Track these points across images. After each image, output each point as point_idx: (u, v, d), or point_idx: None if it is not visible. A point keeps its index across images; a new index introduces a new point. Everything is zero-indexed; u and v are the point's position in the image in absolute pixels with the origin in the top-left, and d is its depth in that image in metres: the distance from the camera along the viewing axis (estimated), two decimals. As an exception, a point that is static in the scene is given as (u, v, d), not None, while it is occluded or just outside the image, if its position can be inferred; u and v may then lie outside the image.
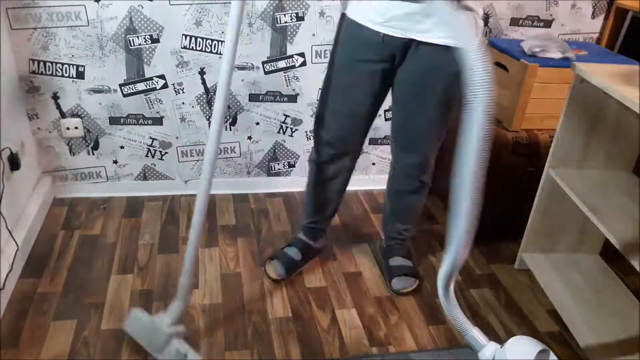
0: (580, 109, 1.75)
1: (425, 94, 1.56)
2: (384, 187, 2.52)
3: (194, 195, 1.90)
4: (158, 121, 2.19)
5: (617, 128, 1.80)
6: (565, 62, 1.90)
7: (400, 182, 1.83)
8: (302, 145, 2.35)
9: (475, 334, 1.40)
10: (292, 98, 2.23)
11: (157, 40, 2.01)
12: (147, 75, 2.08)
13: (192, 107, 2.18)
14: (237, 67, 2.10)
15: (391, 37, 1.47)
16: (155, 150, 2.25)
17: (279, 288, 1.85)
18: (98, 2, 1.91)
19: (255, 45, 2.09)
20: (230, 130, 2.26)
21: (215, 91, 1.35)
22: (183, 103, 2.16)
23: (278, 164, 2.40)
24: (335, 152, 1.72)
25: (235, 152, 2.33)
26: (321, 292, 1.85)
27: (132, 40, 1.99)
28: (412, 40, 1.46)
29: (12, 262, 1.73)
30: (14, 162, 1.86)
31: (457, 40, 1.03)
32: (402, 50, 1.49)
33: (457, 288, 1.91)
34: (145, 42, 2.00)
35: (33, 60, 1.97)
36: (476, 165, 0.96)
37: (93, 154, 2.21)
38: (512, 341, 1.35)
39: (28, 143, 2.05)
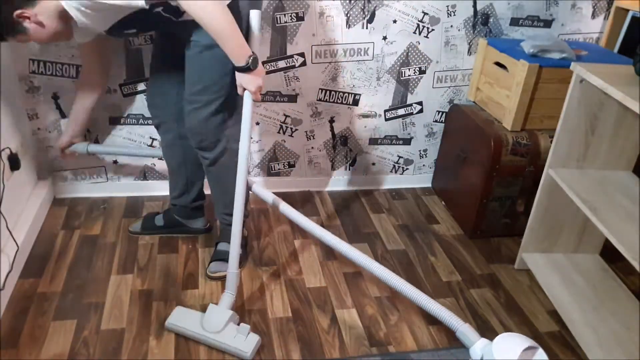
0: (580, 109, 1.75)
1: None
2: (384, 187, 2.54)
3: (194, 195, 1.90)
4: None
5: (617, 128, 1.80)
6: (565, 62, 1.90)
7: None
8: (302, 145, 2.35)
9: (466, 330, 1.40)
10: (292, 98, 2.23)
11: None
12: (147, 75, 2.08)
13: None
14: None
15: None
16: (155, 150, 2.25)
17: (279, 288, 1.85)
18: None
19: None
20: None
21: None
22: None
23: (278, 164, 2.40)
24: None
25: (235, 152, 2.32)
26: (321, 292, 1.85)
27: (133, 41, 1.99)
28: None
29: (12, 262, 1.73)
30: (14, 162, 1.86)
31: None
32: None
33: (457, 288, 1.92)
34: (145, 42, 2.00)
35: (33, 60, 1.97)
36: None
37: (93, 154, 2.20)
38: (500, 337, 1.34)
39: (28, 143, 2.06)
